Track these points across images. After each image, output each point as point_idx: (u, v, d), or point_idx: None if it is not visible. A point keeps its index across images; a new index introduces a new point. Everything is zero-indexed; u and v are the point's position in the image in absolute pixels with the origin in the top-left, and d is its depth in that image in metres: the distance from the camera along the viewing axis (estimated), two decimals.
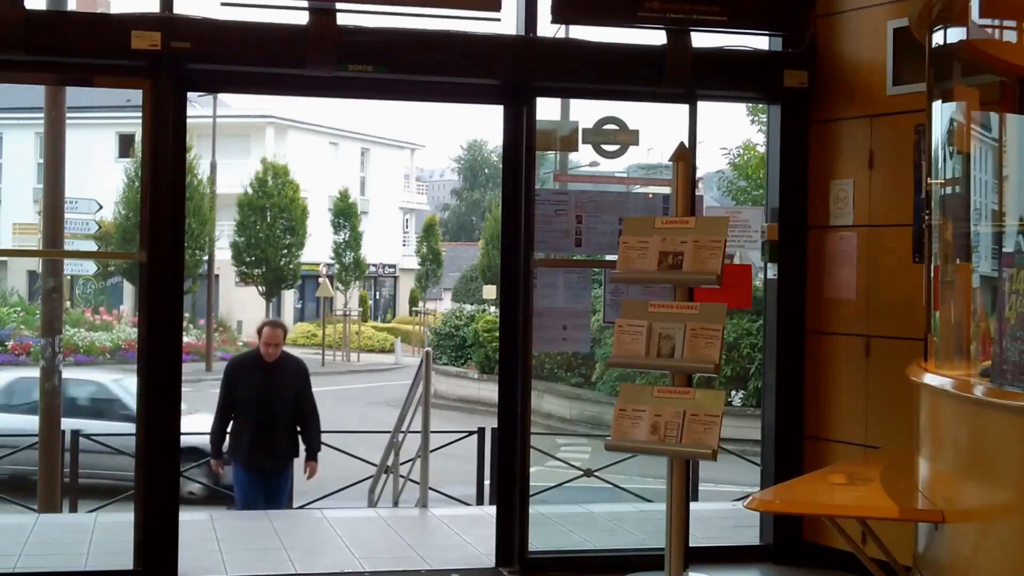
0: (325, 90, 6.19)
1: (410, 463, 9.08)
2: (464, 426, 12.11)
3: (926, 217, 4.89)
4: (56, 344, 9.86)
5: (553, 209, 6.08)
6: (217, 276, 34.98)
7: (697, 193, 6.11)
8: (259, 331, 8.24)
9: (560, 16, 5.93)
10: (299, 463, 8.24)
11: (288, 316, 43.93)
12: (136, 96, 5.63)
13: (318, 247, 38.08)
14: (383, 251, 46.71)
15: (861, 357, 5.97)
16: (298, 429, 8.16)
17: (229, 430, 8.06)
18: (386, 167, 48.88)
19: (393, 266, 49.83)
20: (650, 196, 6.63)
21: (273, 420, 7.94)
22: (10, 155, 38.65)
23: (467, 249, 55.37)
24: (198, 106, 33.33)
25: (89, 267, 23.53)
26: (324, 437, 10.53)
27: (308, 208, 35.78)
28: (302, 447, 8.18)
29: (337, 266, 39.53)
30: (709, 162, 38.11)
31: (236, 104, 39.97)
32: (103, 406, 13.66)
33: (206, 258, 31.94)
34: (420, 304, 43.86)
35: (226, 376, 8.19)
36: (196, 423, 9.74)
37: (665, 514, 5.36)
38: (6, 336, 28.46)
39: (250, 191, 34.80)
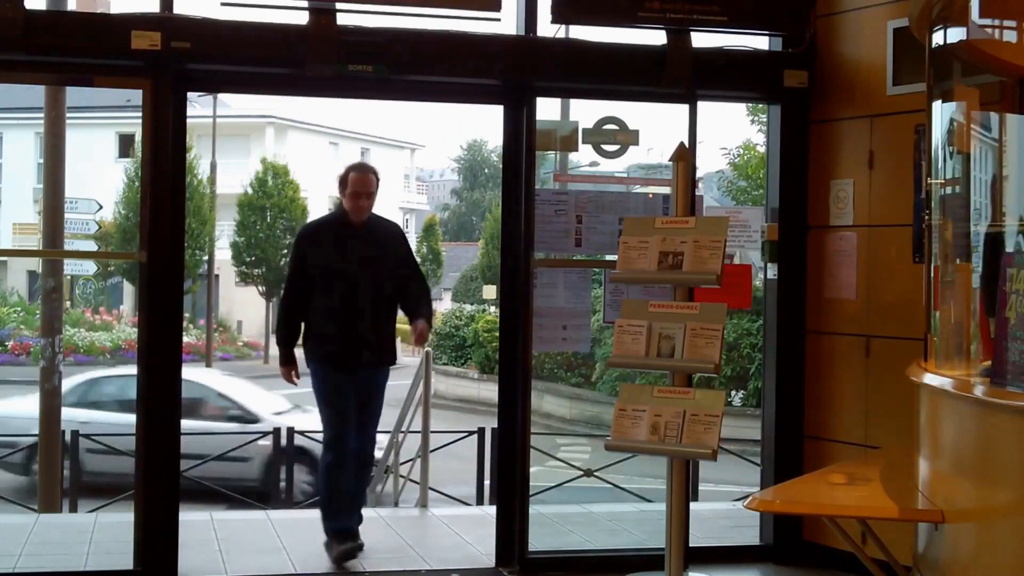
0: (325, 90, 6.19)
1: (410, 463, 9.08)
2: (463, 426, 12.12)
3: (926, 217, 4.89)
4: (56, 344, 9.86)
5: (553, 209, 6.08)
6: (217, 276, 34.97)
7: (697, 193, 6.12)
8: (343, 179, 6.14)
9: (560, 16, 5.93)
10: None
11: None
12: (136, 96, 5.62)
13: None
14: None
15: (861, 357, 5.97)
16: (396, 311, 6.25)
17: (305, 321, 6.13)
18: (386, 167, 48.84)
19: None
20: (650, 196, 6.62)
21: (367, 304, 6.03)
22: (10, 155, 38.64)
23: (467, 249, 55.34)
24: (198, 106, 33.33)
25: (89, 267, 23.49)
26: (323, 437, 10.58)
27: (308, 208, 35.76)
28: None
29: None
30: (709, 162, 38.18)
31: (236, 104, 39.98)
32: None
33: (206, 258, 31.94)
34: None
35: (298, 247, 6.20)
36: None
37: (665, 514, 5.36)
38: (6, 336, 28.48)
39: (250, 191, 34.78)
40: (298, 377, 6.20)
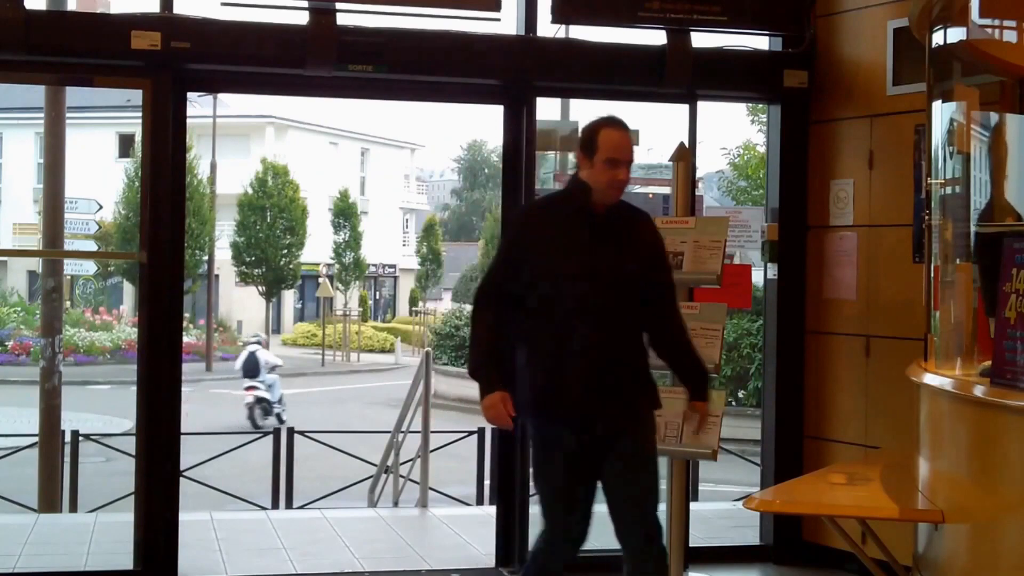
0: (325, 90, 6.19)
1: (410, 463, 9.08)
2: (463, 426, 12.12)
3: (926, 217, 4.89)
4: (56, 344, 9.86)
5: None
6: (217, 276, 34.96)
7: (697, 193, 6.11)
8: (589, 139, 4.03)
9: (560, 16, 5.93)
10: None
11: (288, 316, 43.97)
12: (136, 96, 5.63)
13: (318, 247, 38.10)
14: (383, 251, 46.71)
15: (861, 357, 5.97)
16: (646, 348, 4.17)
17: (523, 354, 4.06)
18: (386, 167, 48.88)
19: (393, 266, 49.83)
20: (650, 196, 6.63)
21: (620, 327, 4.00)
22: (10, 155, 38.69)
23: (467, 249, 55.39)
24: (198, 106, 33.33)
25: (89, 267, 23.54)
26: (322, 437, 10.60)
27: (308, 208, 35.81)
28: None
29: (337, 266, 39.55)
30: (709, 162, 38.08)
31: (236, 104, 39.98)
32: None
33: (206, 258, 31.95)
34: (420, 304, 43.86)
35: (514, 236, 4.23)
36: None
37: (665, 514, 5.36)
38: (6, 336, 28.49)
39: (250, 191, 34.81)
40: (513, 414, 3.99)
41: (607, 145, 4.00)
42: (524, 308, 4.03)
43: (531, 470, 4.27)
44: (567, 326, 3.95)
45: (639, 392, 4.08)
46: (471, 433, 10.44)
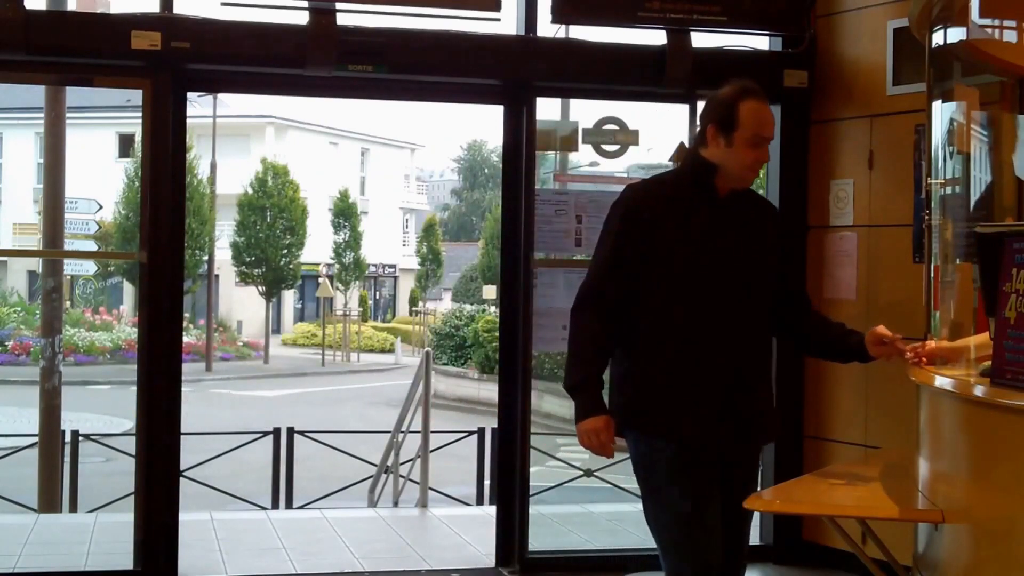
0: (325, 90, 6.19)
1: (410, 463, 9.09)
2: (463, 426, 12.13)
3: (926, 217, 4.89)
4: (56, 344, 9.87)
5: (553, 209, 6.08)
6: (217, 276, 34.99)
7: None
8: (727, 112, 3.56)
9: (560, 16, 5.93)
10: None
11: (288, 316, 43.98)
12: (136, 96, 5.63)
13: (318, 247, 38.12)
14: (383, 251, 46.74)
15: None
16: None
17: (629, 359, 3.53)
18: (386, 167, 48.90)
19: (393, 266, 49.86)
20: None
21: (752, 335, 3.56)
22: (10, 155, 38.71)
23: (467, 249, 55.44)
24: (198, 106, 33.37)
25: (89, 267, 23.57)
26: (322, 437, 10.61)
27: (308, 208, 35.83)
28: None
29: (337, 266, 39.57)
30: None
31: (236, 104, 40.04)
32: None
33: (206, 258, 31.96)
34: (420, 304, 43.89)
35: (631, 222, 3.51)
36: None
37: None
38: (6, 336, 28.52)
39: (250, 191, 34.83)
40: (615, 443, 3.53)
41: (752, 121, 3.52)
42: (638, 310, 3.48)
43: (657, 512, 3.65)
44: (698, 328, 3.45)
45: (769, 411, 3.68)
46: (471, 433, 10.45)
